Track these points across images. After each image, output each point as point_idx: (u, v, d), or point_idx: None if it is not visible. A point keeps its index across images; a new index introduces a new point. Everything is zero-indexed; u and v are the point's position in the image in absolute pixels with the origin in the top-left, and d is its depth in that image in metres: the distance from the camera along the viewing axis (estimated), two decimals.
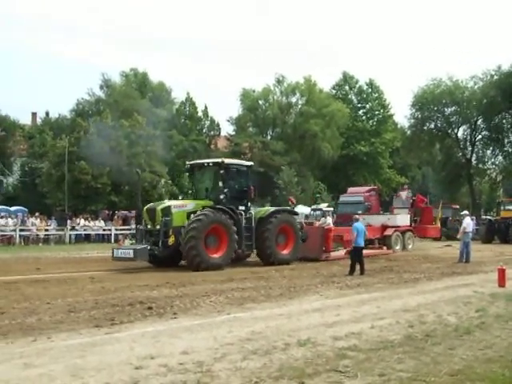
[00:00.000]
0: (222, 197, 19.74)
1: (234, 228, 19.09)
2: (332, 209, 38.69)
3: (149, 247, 18.49)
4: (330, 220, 24.73)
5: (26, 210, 40.29)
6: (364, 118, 70.40)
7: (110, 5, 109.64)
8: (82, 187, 39.50)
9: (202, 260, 18.20)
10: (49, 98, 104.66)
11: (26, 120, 60.22)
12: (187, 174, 21.66)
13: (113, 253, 19.01)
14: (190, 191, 21.19)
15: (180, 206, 19.82)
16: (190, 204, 19.95)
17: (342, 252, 24.00)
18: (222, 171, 20.15)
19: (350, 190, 37.32)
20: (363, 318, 9.86)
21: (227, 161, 20.95)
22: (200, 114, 62.08)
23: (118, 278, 15.88)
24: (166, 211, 19.09)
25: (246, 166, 21.57)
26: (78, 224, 37.18)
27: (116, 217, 41.85)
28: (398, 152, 68.80)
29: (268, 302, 11.85)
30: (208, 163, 21.23)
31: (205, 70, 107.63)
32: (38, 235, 34.89)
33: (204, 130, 62.64)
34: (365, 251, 24.19)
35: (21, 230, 33.89)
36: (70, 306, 10.90)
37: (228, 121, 65.54)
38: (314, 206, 45.27)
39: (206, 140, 61.61)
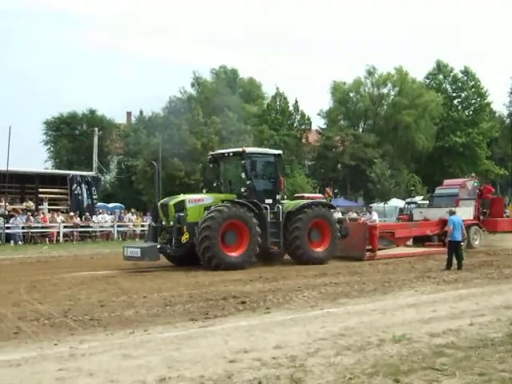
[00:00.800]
0: (242, 189, 18.28)
1: (255, 223, 17.34)
2: (427, 202, 37.65)
3: (158, 245, 17.09)
4: (375, 216, 22.91)
5: (122, 206, 41.80)
6: (460, 107, 67.84)
7: (198, 4, 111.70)
8: (175, 184, 40.43)
9: (218, 261, 16.66)
10: (142, 97, 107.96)
11: (121, 119, 62.59)
12: (211, 165, 19.79)
13: (123, 251, 17.58)
14: (214, 184, 19.48)
15: (196, 199, 18.06)
16: (208, 198, 18.21)
17: (393, 250, 22.01)
18: (243, 161, 18.32)
19: (446, 182, 35.93)
20: (461, 315, 9.50)
21: (249, 149, 19.44)
22: (291, 108, 62.04)
23: (212, 272, 16.13)
24: (180, 206, 17.54)
25: (274, 154, 19.46)
26: None
27: None
28: (496, 142, 66.07)
29: (361, 297, 11.66)
30: (229, 153, 19.50)
31: (295, 64, 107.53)
32: (134, 231, 36.07)
33: (295, 125, 62.49)
34: (420, 249, 23.08)
35: (118, 226, 35.13)
36: (166, 300, 11.16)
37: (319, 114, 65.24)
38: (408, 200, 44.27)
39: (297, 134, 61.54)
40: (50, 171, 45.07)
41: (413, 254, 21.64)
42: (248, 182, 18.18)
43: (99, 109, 57.90)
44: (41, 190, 35.57)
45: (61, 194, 36.43)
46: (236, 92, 58.27)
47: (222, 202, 17.69)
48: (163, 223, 17.77)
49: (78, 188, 35.68)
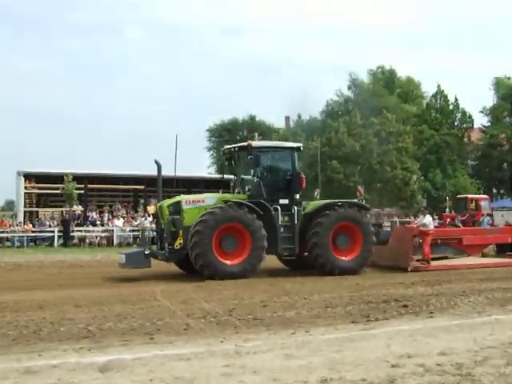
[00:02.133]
0: (247, 188, 16.55)
1: (259, 226, 15.29)
2: None
3: (147, 251, 15.63)
4: (428, 219, 18.49)
5: None
6: None
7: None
8: (334, 186, 40.48)
9: (213, 270, 14.91)
10: (300, 101, 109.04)
11: (280, 124, 63.91)
12: (226, 163, 18.13)
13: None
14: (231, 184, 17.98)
15: (195, 201, 16.26)
16: (210, 199, 16.41)
17: (460, 260, 18.80)
18: (250, 157, 16.35)
19: None
20: None
21: (256, 143, 17.44)
22: (451, 106, 59.54)
23: (373, 275, 15.92)
24: (176, 208, 16.01)
25: (290, 148, 17.10)
26: None
27: None
28: None
29: None
30: (235, 148, 17.45)
31: (455, 61, 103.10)
32: None
33: (456, 123, 59.91)
34: (493, 260, 19.74)
35: None
36: (327, 302, 11.20)
37: (481, 111, 61.94)
38: None
39: (459, 133, 58.91)
40: (213, 176, 47.20)
41: (484, 265, 18.31)
42: (255, 180, 16.30)
43: (258, 114, 59.73)
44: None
45: None
46: (394, 92, 57.11)
47: (225, 202, 15.81)
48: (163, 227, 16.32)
49: None
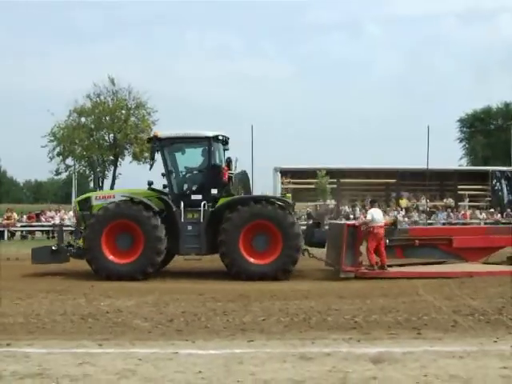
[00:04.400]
0: (150, 182, 15.43)
1: (154, 225, 14.03)
2: None
3: (54, 247, 15.06)
4: (373, 214, 14.59)
5: None
6: None
7: None
8: None
9: (100, 269, 14.20)
10: None
11: None
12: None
13: None
14: None
15: (105, 196, 15.57)
16: (119, 194, 15.36)
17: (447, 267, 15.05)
18: (157, 149, 15.24)
19: None
20: None
21: (163, 134, 15.33)
22: None
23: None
24: (86, 204, 15.44)
25: (203, 137, 15.15)
26: None
27: None
28: None
29: None
30: (148, 140, 16.48)
31: None
32: None
33: None
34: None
35: None
36: None
37: None
38: None
39: None
40: (468, 168, 45.22)
41: (472, 273, 14.07)
42: (162, 173, 15.19)
43: None
44: (460, 186, 35.96)
45: (480, 190, 36.22)
46: None
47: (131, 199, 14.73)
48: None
49: (498, 184, 34.98)
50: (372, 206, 15.59)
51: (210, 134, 15.21)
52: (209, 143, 15.04)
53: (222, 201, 14.78)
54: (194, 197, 14.80)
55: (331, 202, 34.45)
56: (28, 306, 10.40)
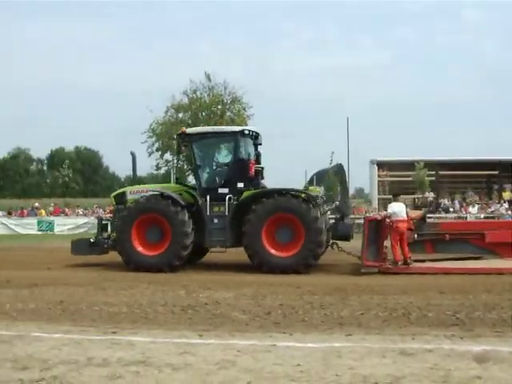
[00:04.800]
0: (177, 178, 17.00)
1: (180, 220, 14.46)
2: None
3: (92, 239, 16.10)
4: (394, 208, 14.35)
5: None
6: None
7: None
8: None
9: (128, 260, 14.91)
10: None
11: None
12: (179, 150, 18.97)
13: None
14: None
15: (138, 191, 15.89)
16: (154, 189, 15.85)
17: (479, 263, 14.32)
18: (185, 145, 16.38)
19: None
20: None
21: (190, 130, 16.52)
22: None
23: None
24: (120, 198, 16.14)
25: (230, 132, 15.66)
26: None
27: None
28: None
29: None
30: (176, 136, 17.25)
31: None
32: None
33: None
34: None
35: None
36: None
37: None
38: None
39: None
40: None
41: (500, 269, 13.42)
42: (192, 168, 16.12)
43: None
44: None
45: None
46: None
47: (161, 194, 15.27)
48: None
49: None
50: (394, 200, 15.22)
51: (237, 128, 15.95)
52: (235, 138, 15.35)
53: (246, 194, 15.01)
54: (220, 190, 15.10)
55: (430, 195, 33.54)
56: (131, 296, 10.82)
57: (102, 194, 75.52)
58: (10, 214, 38.83)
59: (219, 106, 43.22)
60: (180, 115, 43.12)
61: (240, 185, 15.07)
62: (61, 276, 13.70)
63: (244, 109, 43.53)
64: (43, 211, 38.23)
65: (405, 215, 14.41)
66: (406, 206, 15.63)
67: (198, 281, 12.74)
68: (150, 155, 42.60)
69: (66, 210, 40.87)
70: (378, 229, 14.26)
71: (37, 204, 40.75)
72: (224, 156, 16.17)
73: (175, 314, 9.18)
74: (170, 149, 42.45)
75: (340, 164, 16.52)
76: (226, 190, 15.02)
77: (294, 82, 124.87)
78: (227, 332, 7.80)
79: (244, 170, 15.08)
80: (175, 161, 17.04)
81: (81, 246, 16.20)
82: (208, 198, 14.94)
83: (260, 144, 16.18)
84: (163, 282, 12.52)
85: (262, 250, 14.31)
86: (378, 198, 34.80)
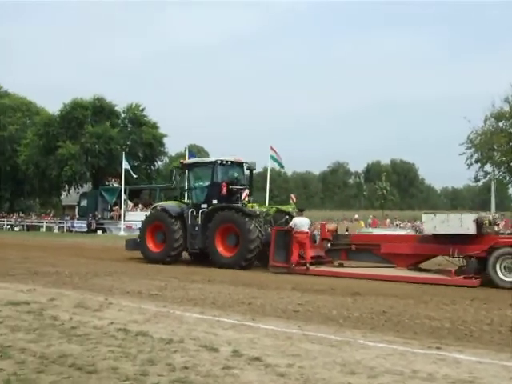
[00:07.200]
0: (176, 195, 22.67)
1: (173, 226, 19.45)
2: None
3: (138, 239, 21.20)
4: (296, 221, 17.27)
5: None
6: None
7: None
8: None
9: (144, 254, 20.43)
10: None
11: None
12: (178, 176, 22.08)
13: None
14: None
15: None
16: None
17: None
18: (185, 171, 21.28)
19: None
20: None
21: (186, 161, 23.42)
22: None
23: None
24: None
25: (210, 162, 20.46)
26: None
27: None
28: None
29: None
30: (179, 165, 23.34)
31: None
32: None
33: None
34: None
35: None
36: None
37: None
38: None
39: None
40: None
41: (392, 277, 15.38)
42: (186, 188, 21.64)
43: None
44: None
45: None
46: None
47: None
48: None
49: None
50: (298, 215, 17.76)
51: (214, 159, 20.28)
52: (213, 167, 19.81)
53: (211, 208, 19.19)
54: (203, 206, 19.52)
55: None
56: (453, 311, 10.52)
57: (417, 207, 75.21)
58: None
59: None
60: (500, 124, 40.70)
61: (214, 201, 19.33)
62: (379, 287, 13.96)
63: None
64: (362, 222, 39.43)
65: (304, 228, 16.92)
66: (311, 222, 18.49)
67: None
68: (469, 167, 41.14)
69: (386, 221, 41.23)
70: (285, 237, 17.21)
71: (356, 216, 42.26)
72: (205, 180, 20.39)
73: (502, 334, 8.66)
74: (490, 160, 40.42)
75: None
76: (205, 205, 19.41)
77: None
78: None
79: (217, 191, 19.30)
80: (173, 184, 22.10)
81: (131, 243, 21.37)
82: (193, 210, 19.53)
83: (253, 169, 20.66)
84: (486, 299, 11.95)
85: (215, 250, 18.56)
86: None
